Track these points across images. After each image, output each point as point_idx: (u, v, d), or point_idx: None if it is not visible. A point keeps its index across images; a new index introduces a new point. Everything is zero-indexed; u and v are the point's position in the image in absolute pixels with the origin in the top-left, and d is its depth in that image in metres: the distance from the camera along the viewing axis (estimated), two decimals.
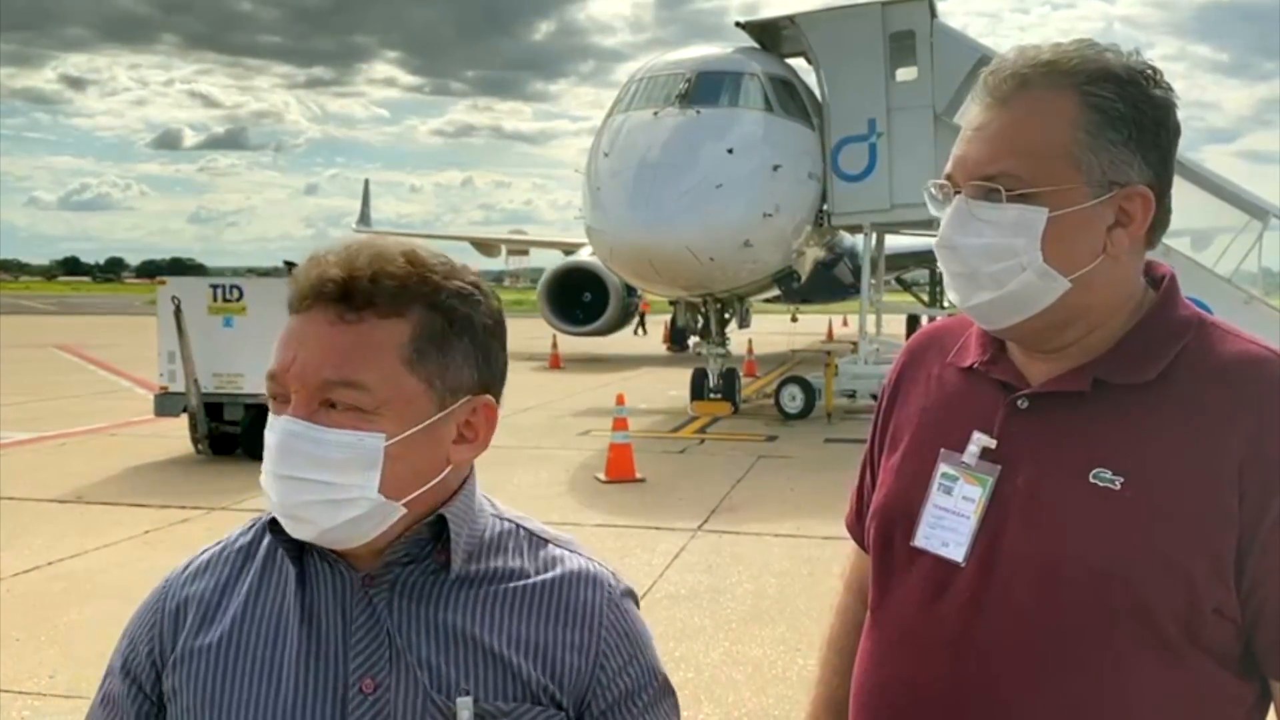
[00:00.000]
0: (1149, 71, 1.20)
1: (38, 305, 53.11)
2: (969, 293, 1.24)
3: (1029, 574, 1.18)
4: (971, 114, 1.25)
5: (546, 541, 1.20)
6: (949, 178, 1.25)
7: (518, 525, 1.20)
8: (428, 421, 1.07)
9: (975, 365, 1.32)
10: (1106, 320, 1.24)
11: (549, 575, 1.16)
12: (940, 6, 14.16)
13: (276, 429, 1.04)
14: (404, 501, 1.06)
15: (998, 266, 1.20)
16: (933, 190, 1.27)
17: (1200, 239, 15.93)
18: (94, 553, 6.75)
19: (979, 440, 1.26)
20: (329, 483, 1.02)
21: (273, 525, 1.10)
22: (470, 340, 1.09)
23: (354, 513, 1.04)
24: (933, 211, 1.27)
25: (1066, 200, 1.17)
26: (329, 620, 1.08)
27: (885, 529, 1.34)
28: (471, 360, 1.10)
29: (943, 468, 1.28)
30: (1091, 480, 1.17)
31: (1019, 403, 1.25)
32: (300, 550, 1.10)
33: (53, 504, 8.21)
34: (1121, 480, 1.16)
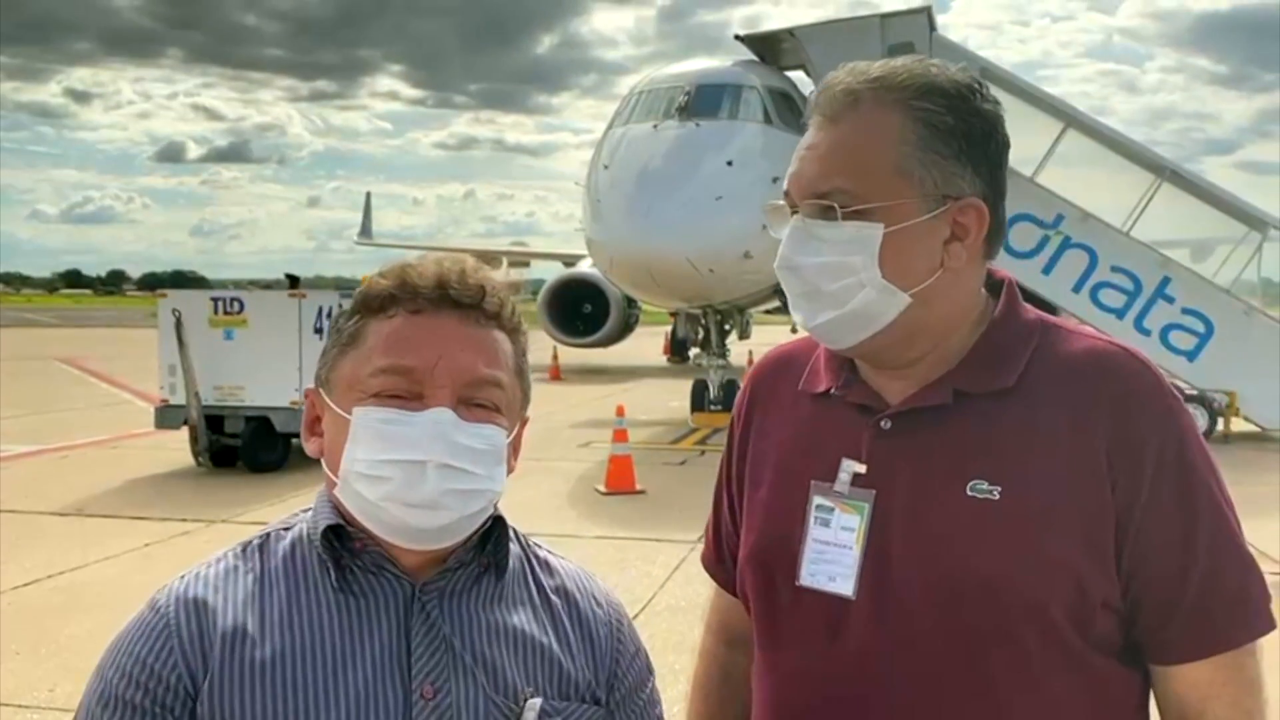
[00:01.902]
0: (975, 85, 1.21)
1: (39, 318, 53.16)
2: (812, 313, 1.22)
3: (922, 595, 1.16)
4: (807, 132, 1.24)
5: (538, 545, 1.27)
6: (786, 196, 1.24)
7: (514, 529, 1.24)
8: (518, 427, 1.17)
9: (831, 391, 1.29)
10: (951, 332, 1.23)
11: (565, 575, 1.24)
12: (940, 19, 14.24)
13: (425, 420, 1.06)
14: (498, 498, 1.14)
15: (838, 285, 1.19)
16: (769, 211, 1.26)
17: (1200, 250, 15.95)
18: (94, 565, 6.75)
19: (848, 467, 1.22)
20: (471, 472, 1.08)
21: (326, 536, 1.10)
22: (528, 362, 1.21)
23: (480, 504, 1.10)
24: (772, 233, 1.25)
25: (900, 215, 1.17)
26: (383, 630, 1.08)
27: (764, 571, 1.29)
28: (529, 380, 1.21)
29: (816, 499, 1.24)
30: (969, 493, 1.16)
31: (882, 424, 1.23)
32: (340, 565, 1.10)
33: (53, 517, 8.21)
34: (999, 489, 1.15)
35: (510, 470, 1.15)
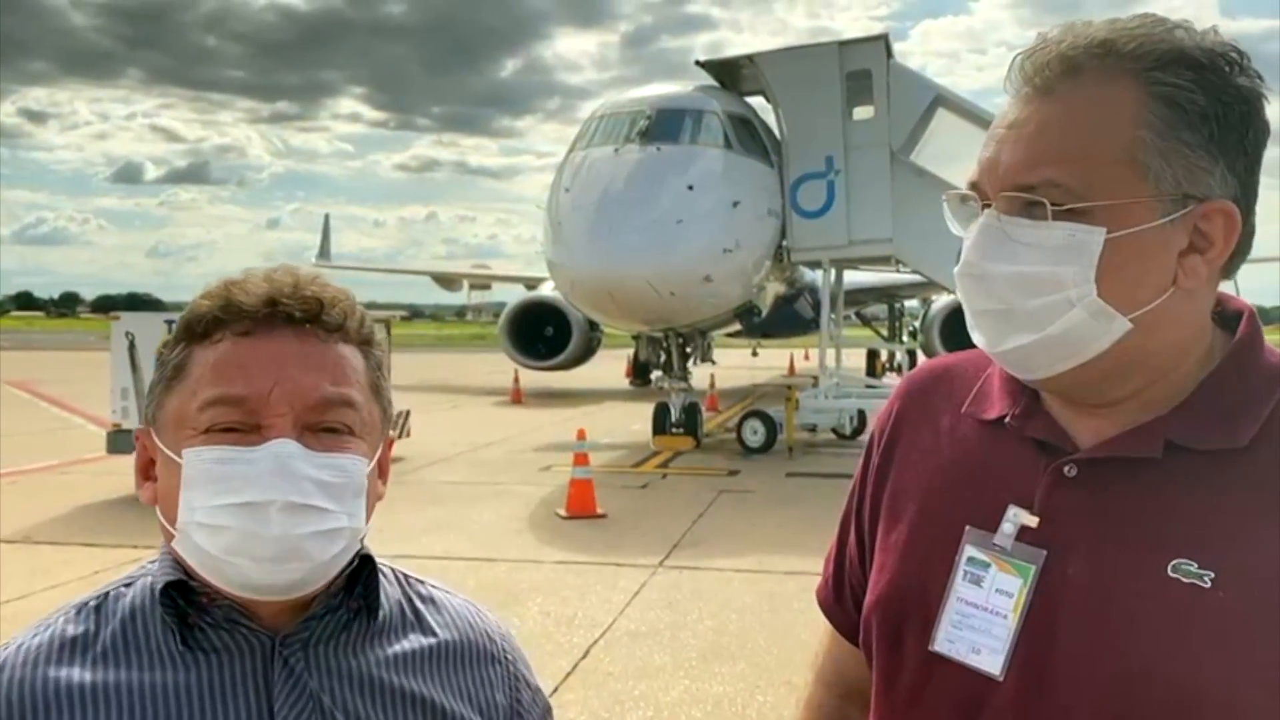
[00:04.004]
0: (1232, 54, 0.96)
1: None
2: (999, 335, 1.00)
3: (1093, 695, 0.94)
4: (1004, 108, 1.01)
5: (421, 580, 1.15)
6: (974, 186, 1.01)
7: (391, 568, 1.13)
8: (379, 452, 1.04)
9: (1007, 419, 1.07)
10: (1172, 368, 1.00)
11: (453, 611, 1.13)
12: (897, 47, 14.45)
13: (265, 455, 0.94)
14: (362, 536, 1.01)
15: (1039, 302, 0.97)
16: (950, 203, 1.04)
17: None
18: (42, 594, 6.56)
19: (1015, 517, 1.01)
20: (325, 509, 0.95)
21: (167, 593, 0.98)
22: (385, 377, 1.08)
23: (339, 545, 0.97)
24: (953, 229, 1.04)
25: (1129, 218, 0.94)
26: (241, 693, 0.96)
27: (892, 625, 1.08)
28: (389, 396, 1.08)
29: (969, 551, 1.03)
30: (1171, 574, 0.93)
31: (1066, 469, 1.01)
32: (187, 624, 0.98)
33: None
34: (1212, 575, 0.92)
35: (379, 498, 1.04)
